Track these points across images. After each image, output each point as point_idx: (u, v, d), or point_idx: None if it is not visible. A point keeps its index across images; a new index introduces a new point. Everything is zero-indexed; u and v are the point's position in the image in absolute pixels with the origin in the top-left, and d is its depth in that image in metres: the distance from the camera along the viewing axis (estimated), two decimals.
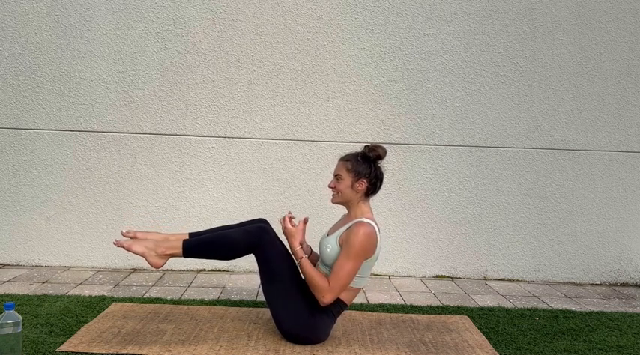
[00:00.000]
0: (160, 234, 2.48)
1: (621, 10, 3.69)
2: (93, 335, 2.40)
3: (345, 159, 2.42)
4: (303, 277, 2.38)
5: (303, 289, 2.38)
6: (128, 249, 2.33)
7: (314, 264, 2.46)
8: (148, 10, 3.54)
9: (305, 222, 2.47)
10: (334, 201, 2.45)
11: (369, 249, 2.31)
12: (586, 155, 3.77)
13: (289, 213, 2.48)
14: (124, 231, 2.42)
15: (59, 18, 3.52)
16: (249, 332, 2.52)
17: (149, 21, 3.54)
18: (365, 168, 2.37)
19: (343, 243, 2.32)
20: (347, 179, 2.38)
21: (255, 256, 2.38)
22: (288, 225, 2.39)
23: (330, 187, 2.44)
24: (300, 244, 2.40)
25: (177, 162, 3.63)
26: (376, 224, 2.38)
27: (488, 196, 3.75)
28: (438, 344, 2.49)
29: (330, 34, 3.60)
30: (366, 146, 2.42)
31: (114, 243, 2.34)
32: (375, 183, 2.40)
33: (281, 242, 2.54)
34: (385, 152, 2.40)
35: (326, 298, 2.30)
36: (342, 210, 2.55)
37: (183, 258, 2.43)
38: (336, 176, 2.41)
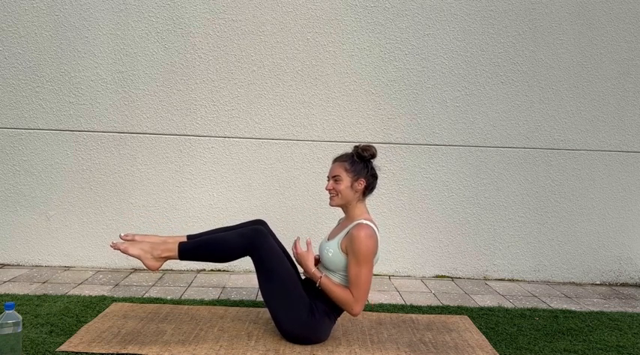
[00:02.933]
0: (158, 237, 2.47)
1: (621, 10, 3.69)
2: (93, 335, 2.40)
3: (342, 159, 2.42)
4: (320, 290, 2.38)
5: (302, 289, 2.38)
6: (124, 252, 2.34)
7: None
8: (148, 10, 3.54)
9: (309, 243, 2.45)
10: (334, 204, 2.44)
11: (375, 248, 2.32)
12: (586, 155, 3.77)
13: (297, 238, 2.48)
14: (122, 234, 2.42)
15: (59, 18, 3.52)
16: (249, 332, 2.52)
17: (149, 21, 3.55)
18: (362, 167, 2.39)
19: (348, 250, 2.32)
20: (346, 179, 2.38)
21: (252, 258, 2.37)
22: (299, 249, 2.41)
23: (328, 189, 2.43)
24: (316, 263, 2.44)
25: (177, 162, 3.63)
26: (374, 224, 2.38)
27: (488, 196, 3.75)
28: (438, 344, 2.49)
29: (330, 34, 3.60)
30: (356, 146, 2.43)
31: (110, 246, 2.35)
32: (372, 182, 2.42)
33: (278, 242, 2.55)
34: (376, 151, 2.43)
35: (355, 310, 2.32)
36: (341, 209, 2.54)
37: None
38: (334, 177, 2.40)
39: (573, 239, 3.81)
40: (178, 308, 2.84)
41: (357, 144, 2.46)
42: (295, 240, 2.45)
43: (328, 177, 2.45)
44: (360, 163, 2.39)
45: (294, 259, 2.48)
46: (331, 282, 2.34)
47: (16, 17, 3.51)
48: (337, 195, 2.40)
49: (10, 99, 3.56)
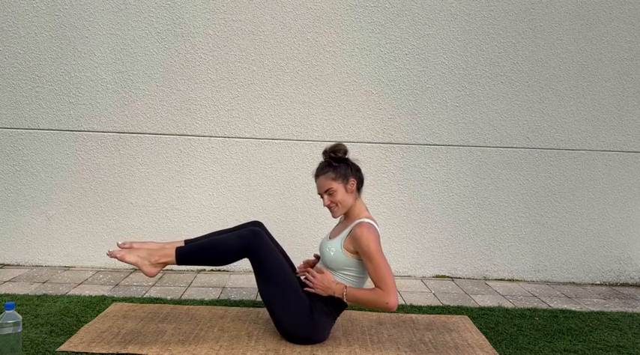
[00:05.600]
0: (156, 243, 2.47)
1: (621, 10, 3.69)
2: (93, 335, 2.40)
3: (323, 172, 2.40)
4: (348, 303, 2.38)
5: (301, 289, 2.38)
6: (121, 260, 2.33)
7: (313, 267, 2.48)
8: (148, 10, 3.54)
9: (315, 260, 2.48)
10: (338, 215, 2.44)
11: (379, 239, 2.32)
12: (586, 155, 3.77)
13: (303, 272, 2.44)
14: (119, 243, 2.41)
15: (59, 18, 3.52)
16: (249, 332, 2.52)
17: (149, 21, 3.54)
18: (344, 168, 2.39)
19: (357, 250, 2.31)
20: (339, 187, 2.38)
21: (250, 259, 2.37)
22: (313, 281, 2.35)
23: (327, 205, 2.42)
24: (313, 265, 2.44)
25: (177, 162, 3.63)
26: (374, 221, 2.39)
27: (488, 196, 3.75)
28: (438, 344, 2.49)
29: (330, 34, 3.60)
30: (325, 152, 2.44)
31: (107, 254, 2.34)
32: (359, 176, 2.44)
33: (275, 243, 2.55)
34: (345, 146, 2.44)
35: (390, 303, 2.26)
36: None
37: None
38: (327, 191, 2.39)
39: (573, 239, 3.81)
40: (178, 308, 2.84)
41: (325, 148, 2.44)
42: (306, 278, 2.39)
43: (320, 194, 2.44)
44: (340, 166, 2.39)
45: (308, 286, 2.39)
46: (355, 289, 2.33)
47: (16, 17, 3.51)
48: (337, 206, 2.40)
49: (10, 99, 3.56)
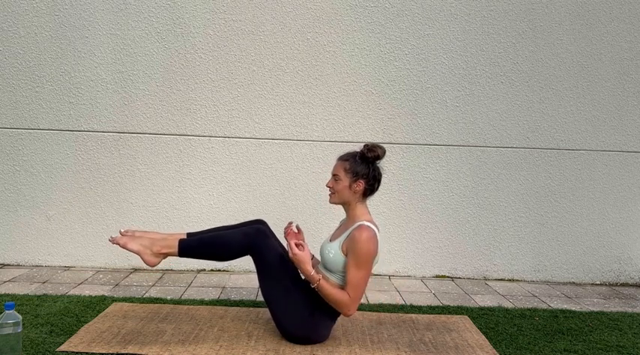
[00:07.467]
0: (159, 234, 2.47)
1: (621, 10, 3.69)
2: (93, 335, 2.40)
3: (344, 158, 2.39)
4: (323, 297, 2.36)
5: (303, 288, 2.38)
6: (123, 247, 2.33)
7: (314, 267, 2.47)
8: (148, 10, 3.54)
9: (299, 231, 2.48)
10: (332, 201, 2.43)
11: (375, 251, 2.30)
12: (586, 155, 3.77)
13: (289, 229, 2.46)
14: (122, 231, 2.42)
15: (59, 18, 3.52)
16: (249, 332, 2.52)
17: (149, 21, 3.54)
18: (363, 168, 2.35)
19: (348, 251, 2.30)
20: (344, 179, 2.36)
21: (252, 257, 2.37)
22: (297, 251, 2.28)
23: (327, 186, 2.42)
24: (313, 266, 2.34)
25: (177, 162, 3.63)
26: (375, 226, 2.37)
27: (488, 196, 3.75)
28: (438, 344, 2.49)
29: (330, 34, 3.60)
30: (365, 145, 2.37)
31: (109, 240, 2.34)
32: (372, 184, 2.37)
33: (278, 242, 2.54)
34: (384, 152, 2.36)
35: (350, 310, 2.29)
36: (341, 210, 2.54)
37: (183, 258, 2.43)
38: (334, 176, 2.39)
39: (573, 239, 3.81)
40: (178, 308, 2.84)
41: (368, 143, 2.39)
42: (288, 240, 2.37)
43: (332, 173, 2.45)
44: (361, 164, 2.35)
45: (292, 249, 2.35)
46: (328, 284, 2.31)
47: (16, 17, 3.51)
48: (334, 193, 2.39)
49: (10, 99, 3.56)
